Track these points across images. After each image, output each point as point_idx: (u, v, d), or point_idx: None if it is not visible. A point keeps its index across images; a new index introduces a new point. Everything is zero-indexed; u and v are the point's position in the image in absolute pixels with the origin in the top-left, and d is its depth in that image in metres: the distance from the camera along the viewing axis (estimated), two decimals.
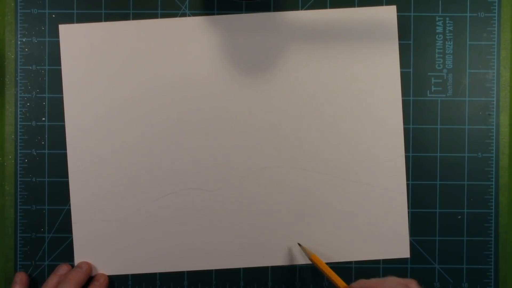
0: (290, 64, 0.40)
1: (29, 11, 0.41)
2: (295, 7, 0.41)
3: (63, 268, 0.40)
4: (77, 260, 0.40)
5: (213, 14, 0.41)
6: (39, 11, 0.41)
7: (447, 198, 0.41)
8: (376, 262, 0.41)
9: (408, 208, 0.41)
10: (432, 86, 0.41)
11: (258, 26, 0.40)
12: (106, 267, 0.41)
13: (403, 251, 0.41)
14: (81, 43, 0.40)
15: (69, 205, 0.41)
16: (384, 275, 0.41)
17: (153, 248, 0.41)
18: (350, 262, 0.41)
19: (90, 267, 0.40)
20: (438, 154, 0.41)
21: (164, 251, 0.41)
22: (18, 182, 0.41)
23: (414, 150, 0.41)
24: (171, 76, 0.40)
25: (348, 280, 0.41)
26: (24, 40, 0.41)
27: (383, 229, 0.41)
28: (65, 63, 0.40)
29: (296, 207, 0.41)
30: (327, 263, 0.40)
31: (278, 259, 0.41)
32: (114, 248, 0.40)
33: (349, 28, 0.40)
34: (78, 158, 0.40)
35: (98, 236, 0.40)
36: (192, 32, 0.40)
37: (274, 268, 0.41)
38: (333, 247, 0.41)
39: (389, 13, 0.41)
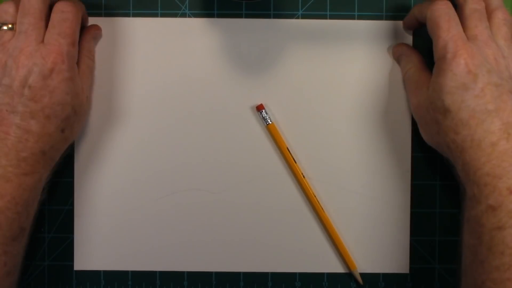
0: (295, 68, 0.41)
1: None
2: (295, 8, 0.41)
3: None
4: (77, 256, 0.40)
5: (213, 14, 0.41)
6: None
7: (447, 198, 0.41)
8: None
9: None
10: None
11: (265, 29, 0.41)
12: (107, 263, 0.41)
13: (402, 266, 0.41)
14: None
15: (70, 205, 0.41)
16: (384, 280, 0.41)
17: (154, 246, 0.40)
18: None
19: None
20: (438, 154, 0.41)
21: (165, 249, 0.40)
22: None
23: (415, 150, 0.41)
24: (178, 75, 0.40)
25: (347, 285, 0.41)
26: None
27: (383, 243, 0.41)
28: None
29: (299, 214, 0.40)
30: (327, 273, 0.40)
31: (279, 266, 0.41)
32: (115, 244, 0.40)
33: (359, 37, 0.41)
34: (84, 153, 0.40)
35: (99, 231, 0.40)
36: (194, 33, 0.40)
37: None
38: (333, 257, 0.41)
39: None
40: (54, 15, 0.35)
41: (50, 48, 0.34)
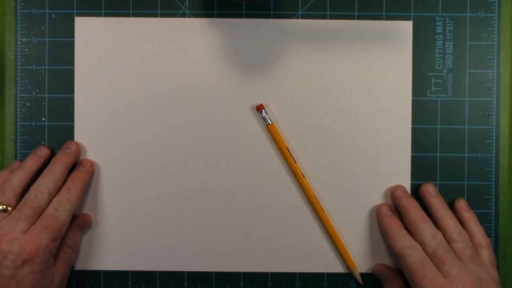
0: (295, 69, 0.41)
1: (29, 11, 0.41)
2: (295, 8, 0.41)
3: (42, 150, 0.39)
4: (77, 256, 0.40)
5: (213, 14, 0.41)
6: (39, 11, 0.41)
7: (447, 199, 0.41)
8: None
9: None
10: (432, 86, 0.41)
11: (265, 29, 0.40)
12: (107, 263, 0.41)
13: None
14: (96, 37, 0.41)
15: None
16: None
17: (154, 246, 0.41)
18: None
19: (79, 148, 0.40)
20: (438, 154, 0.41)
21: (165, 249, 0.41)
22: None
23: (414, 150, 0.41)
24: (179, 75, 0.40)
25: (347, 285, 0.41)
26: (24, 40, 0.41)
27: (384, 243, 0.40)
28: (78, 57, 0.41)
29: (299, 215, 0.40)
30: (327, 273, 0.40)
31: (279, 266, 0.41)
32: (115, 244, 0.41)
33: (359, 37, 0.41)
34: (83, 153, 0.40)
35: (99, 231, 0.40)
36: (194, 33, 0.40)
37: None
38: (333, 257, 0.41)
39: (405, 27, 0.41)
40: (48, 209, 0.36)
41: (30, 239, 0.34)
